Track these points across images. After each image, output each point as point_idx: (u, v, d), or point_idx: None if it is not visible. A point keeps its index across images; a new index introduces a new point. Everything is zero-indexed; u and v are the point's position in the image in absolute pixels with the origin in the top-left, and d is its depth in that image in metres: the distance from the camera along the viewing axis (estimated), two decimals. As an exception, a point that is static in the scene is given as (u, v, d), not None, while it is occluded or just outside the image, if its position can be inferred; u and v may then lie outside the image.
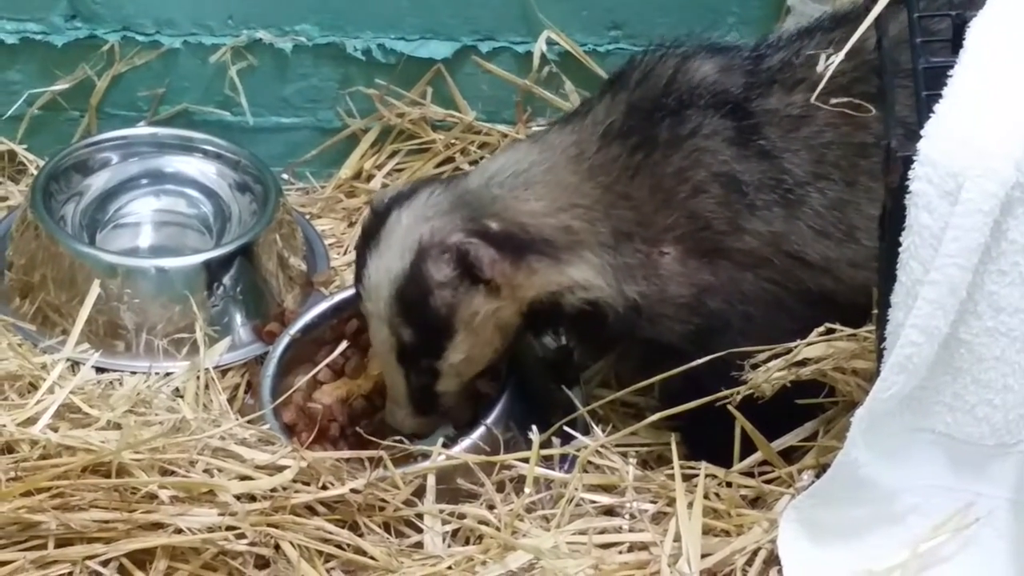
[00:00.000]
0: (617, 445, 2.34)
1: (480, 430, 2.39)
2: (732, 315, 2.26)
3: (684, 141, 2.27)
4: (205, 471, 2.24)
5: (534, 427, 2.30)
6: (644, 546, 2.22)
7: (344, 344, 2.48)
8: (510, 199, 2.34)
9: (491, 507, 2.28)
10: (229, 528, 2.17)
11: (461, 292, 2.32)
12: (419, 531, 2.28)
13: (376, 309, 2.36)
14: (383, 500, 2.27)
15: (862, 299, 2.13)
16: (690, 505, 2.22)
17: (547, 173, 2.35)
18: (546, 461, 2.32)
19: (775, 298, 2.26)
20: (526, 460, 2.30)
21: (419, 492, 2.29)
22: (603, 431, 2.34)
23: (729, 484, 2.28)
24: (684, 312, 2.29)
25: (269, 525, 2.19)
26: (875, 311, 2.02)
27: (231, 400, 2.55)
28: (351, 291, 2.57)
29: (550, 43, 2.70)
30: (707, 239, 2.27)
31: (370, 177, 2.85)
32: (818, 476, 2.15)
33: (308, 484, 2.25)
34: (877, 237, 1.98)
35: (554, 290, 2.32)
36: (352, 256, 2.75)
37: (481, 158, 2.80)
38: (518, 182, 2.35)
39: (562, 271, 2.31)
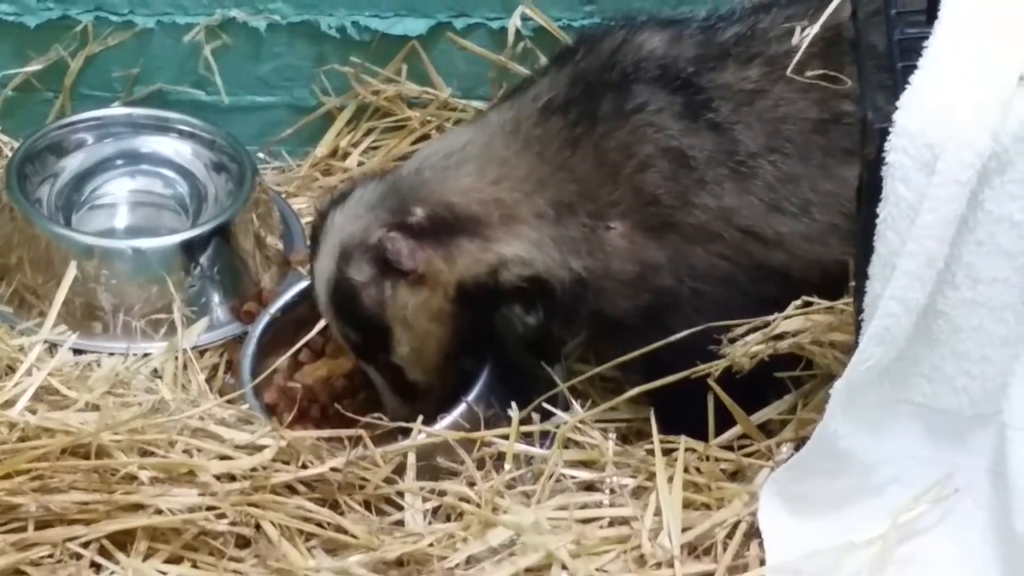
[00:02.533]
0: (596, 420, 2.35)
1: (460, 407, 2.39)
2: (682, 291, 2.26)
3: (631, 116, 2.27)
4: (185, 452, 2.24)
5: (514, 404, 2.31)
6: (625, 521, 2.22)
7: (323, 323, 2.46)
8: (438, 181, 2.34)
9: (471, 484, 2.28)
10: (209, 508, 2.18)
11: (387, 289, 2.34)
12: (400, 509, 2.29)
13: (324, 312, 2.40)
14: (363, 478, 2.27)
15: (814, 277, 2.14)
16: (670, 479, 2.22)
17: (480, 149, 2.35)
18: (526, 437, 2.32)
19: (726, 274, 2.26)
20: (506, 437, 2.31)
21: (399, 470, 2.29)
22: (582, 406, 2.35)
23: (708, 458, 2.28)
24: (631, 288, 2.29)
25: (249, 505, 2.19)
26: (853, 283, 2.02)
27: (210, 380, 2.56)
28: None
29: (524, 19, 2.70)
30: (655, 214, 2.27)
31: (346, 155, 2.85)
32: (797, 449, 2.15)
33: (288, 463, 2.25)
34: (834, 213, 2.00)
35: (484, 270, 2.31)
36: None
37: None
38: (450, 162, 2.35)
39: (489, 248, 2.31)
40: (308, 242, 2.49)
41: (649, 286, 2.26)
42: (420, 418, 2.34)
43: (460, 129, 2.46)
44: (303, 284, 2.59)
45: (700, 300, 2.22)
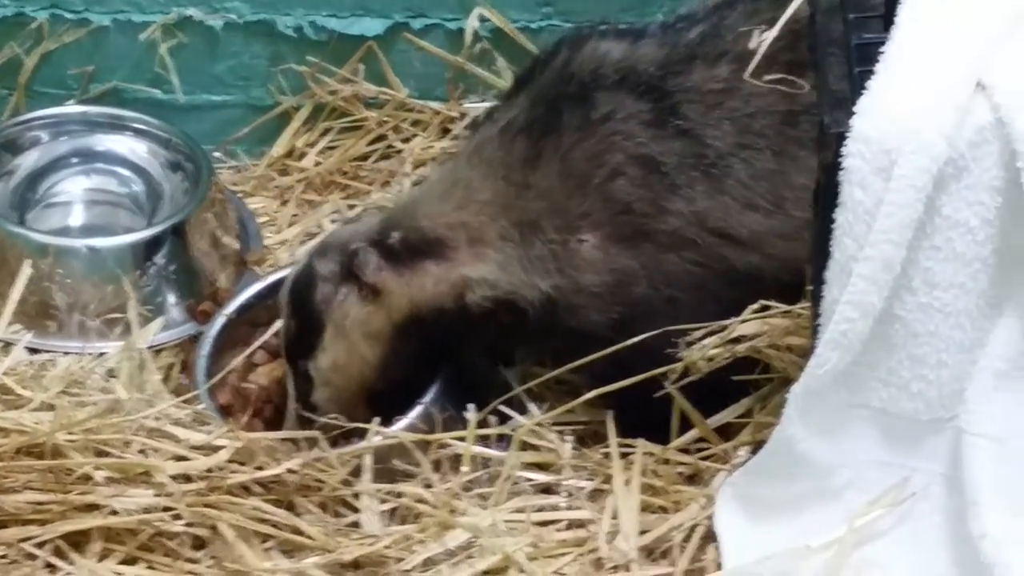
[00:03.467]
0: (553, 423, 2.35)
1: (417, 409, 2.39)
2: (657, 300, 2.26)
3: (598, 125, 2.27)
4: (140, 452, 2.24)
5: (471, 406, 2.32)
6: (582, 523, 2.23)
7: (278, 325, 2.46)
8: (413, 207, 2.38)
9: (428, 486, 2.30)
10: (165, 509, 2.18)
11: (340, 291, 2.37)
12: (356, 511, 2.29)
13: (281, 298, 2.43)
14: (320, 480, 2.28)
15: (788, 276, 2.15)
16: (627, 482, 2.24)
17: (448, 176, 2.38)
18: (483, 440, 2.33)
19: (700, 280, 2.27)
20: (463, 439, 2.31)
21: (356, 472, 2.30)
22: (539, 409, 2.36)
23: (666, 461, 2.29)
24: (605, 300, 2.29)
25: (205, 506, 2.20)
26: (809, 288, 2.03)
27: (165, 380, 2.55)
28: (285, 272, 2.59)
29: (482, 20, 2.71)
30: (628, 223, 2.27)
31: (302, 155, 2.85)
32: (754, 452, 2.16)
33: (244, 464, 2.25)
34: (808, 208, 2.00)
35: (448, 291, 2.33)
36: (285, 235, 2.76)
37: (414, 135, 2.81)
38: (425, 190, 2.42)
39: (454, 270, 2.33)
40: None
41: (623, 297, 2.27)
42: (376, 420, 2.34)
43: (437, 167, 2.54)
44: (259, 285, 2.61)
45: (674, 308, 2.23)
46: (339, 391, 2.38)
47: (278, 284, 2.57)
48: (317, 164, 2.82)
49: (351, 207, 2.79)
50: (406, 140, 2.80)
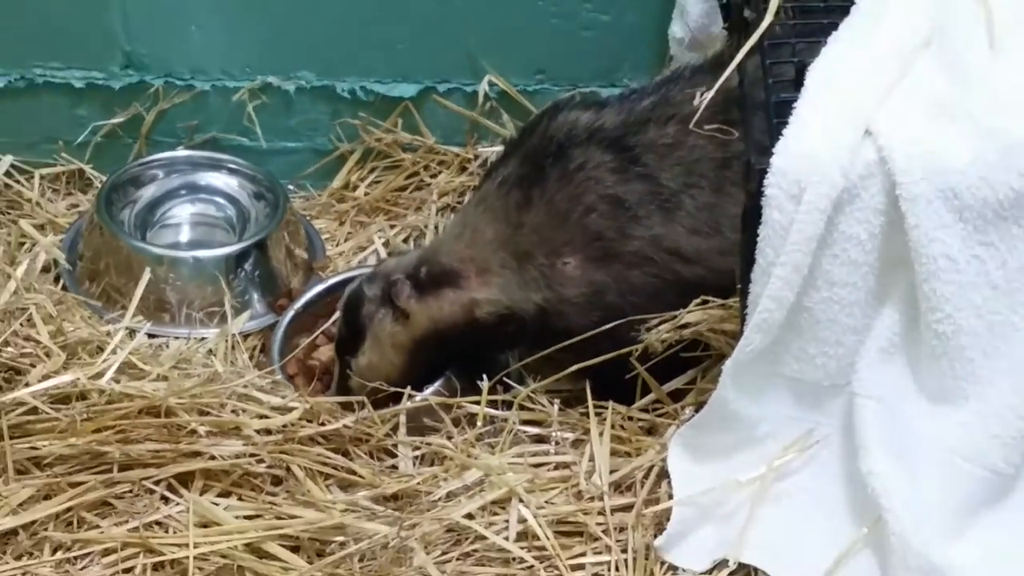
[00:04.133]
0: (545, 391, 2.35)
1: (440, 380, 2.40)
2: (625, 305, 2.24)
3: (574, 174, 2.26)
4: (232, 411, 2.25)
5: (484, 376, 2.31)
6: (567, 465, 2.23)
7: (336, 316, 2.48)
8: (438, 246, 2.39)
9: (450, 437, 2.30)
10: (251, 455, 2.19)
11: (380, 311, 2.36)
12: (395, 456, 2.30)
13: (340, 305, 2.43)
14: (368, 433, 2.28)
15: (724, 282, 2.13)
16: (601, 434, 2.24)
17: (461, 222, 2.39)
18: (491, 403, 2.33)
19: (657, 289, 2.25)
20: (477, 402, 2.31)
21: (395, 428, 2.31)
22: (533, 380, 2.36)
23: (630, 418, 2.29)
24: (584, 308, 2.28)
25: (281, 452, 2.21)
26: (739, 286, 2.03)
27: (251, 358, 2.55)
28: (342, 276, 2.62)
29: (491, 84, 2.71)
30: (600, 247, 2.26)
31: (355, 187, 2.86)
32: (697, 410, 2.16)
33: (311, 421, 2.26)
34: (740, 230, 2.00)
35: (461, 310, 2.33)
36: (342, 248, 2.77)
37: (439, 172, 2.81)
38: (445, 235, 2.43)
39: (464, 293, 2.33)
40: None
41: (598, 304, 2.26)
42: (408, 389, 2.35)
43: (456, 216, 2.51)
44: (321, 286, 2.62)
45: (637, 311, 2.21)
46: (368, 382, 2.37)
47: (336, 285, 2.60)
48: (366, 194, 2.82)
49: (392, 227, 2.79)
50: (433, 176, 2.80)
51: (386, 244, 2.75)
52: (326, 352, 2.55)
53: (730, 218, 2.11)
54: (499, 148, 2.69)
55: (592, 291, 2.27)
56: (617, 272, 2.25)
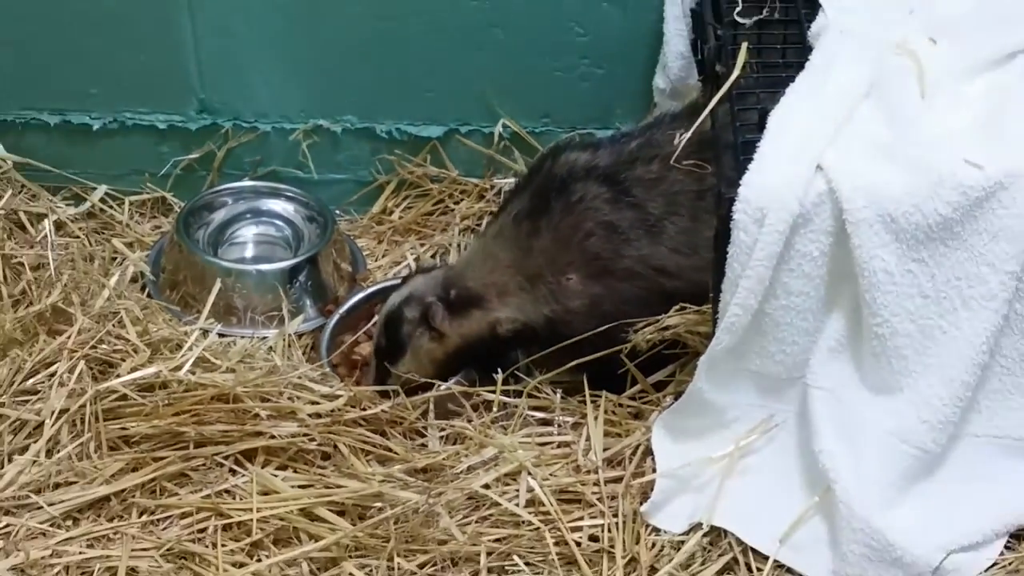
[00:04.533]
0: (549, 383, 2.34)
1: (462, 373, 2.40)
2: (618, 313, 2.23)
3: (575, 206, 2.25)
4: (288, 398, 2.25)
5: (499, 370, 2.31)
6: (567, 444, 2.23)
7: (374, 319, 2.49)
8: (463, 271, 2.38)
9: (470, 420, 2.30)
10: (304, 435, 2.19)
11: (418, 330, 2.36)
12: (424, 436, 2.29)
13: (380, 317, 2.43)
14: (401, 417, 2.28)
15: (701, 293, 2.12)
16: (596, 418, 2.23)
17: (483, 251, 2.37)
18: (504, 392, 2.32)
19: (644, 299, 2.23)
20: (492, 391, 2.31)
21: (424, 412, 2.30)
22: (540, 373, 2.35)
23: (620, 405, 2.28)
24: (584, 316, 2.26)
25: (330, 433, 2.21)
26: (712, 295, 2.03)
27: (304, 353, 2.55)
28: (379, 285, 2.62)
29: (504, 127, 2.71)
30: (597, 265, 2.26)
31: (391, 212, 2.84)
32: (676, 399, 2.16)
33: (354, 407, 2.26)
34: (711, 250, 2.00)
35: (486, 327, 2.33)
36: (380, 263, 2.77)
37: (461, 200, 2.80)
38: (468, 259, 2.41)
39: (489, 313, 2.32)
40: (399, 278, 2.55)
41: (596, 313, 2.25)
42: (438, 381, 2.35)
43: (476, 241, 2.49)
44: (362, 294, 2.62)
45: (628, 317, 2.20)
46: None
47: (374, 293, 2.60)
48: (400, 218, 2.81)
49: (421, 245, 2.78)
50: (456, 203, 2.79)
51: (417, 260, 2.75)
52: (366, 348, 2.55)
53: (705, 240, 2.10)
54: (511, 180, 2.70)
55: (591, 302, 2.26)
56: (612, 286, 2.25)
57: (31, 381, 2.28)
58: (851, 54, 2.05)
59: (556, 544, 2.06)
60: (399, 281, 2.50)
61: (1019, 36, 2.07)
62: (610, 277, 2.25)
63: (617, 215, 2.24)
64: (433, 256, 2.78)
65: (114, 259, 2.67)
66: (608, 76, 2.61)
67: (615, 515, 2.09)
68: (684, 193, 2.21)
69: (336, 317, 2.58)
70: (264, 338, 2.52)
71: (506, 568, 2.04)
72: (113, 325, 2.36)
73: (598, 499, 2.11)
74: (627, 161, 2.27)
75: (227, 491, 2.14)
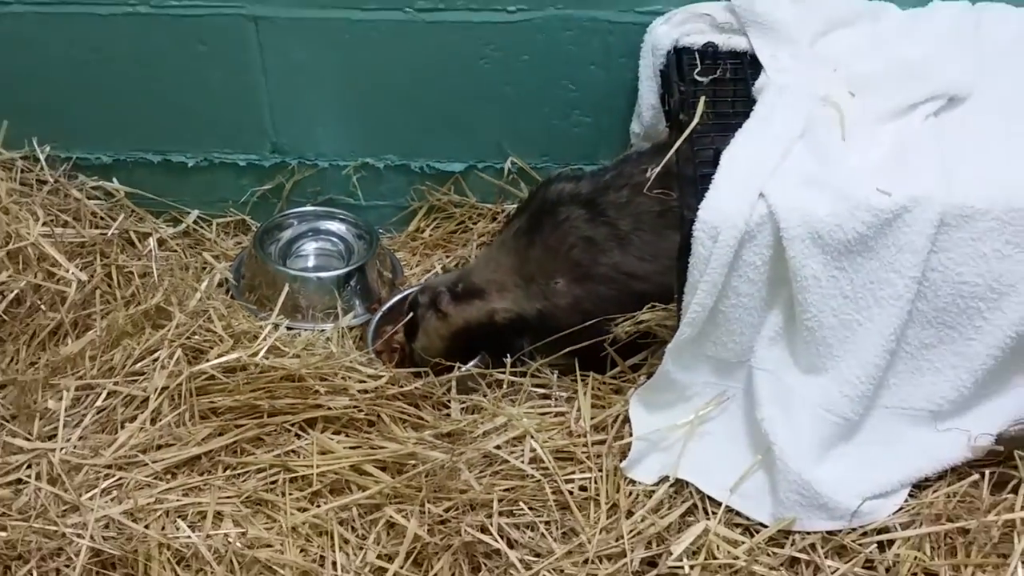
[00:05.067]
0: (548, 365, 2.34)
1: (478, 358, 2.39)
2: (596, 311, 2.21)
3: (561, 224, 2.24)
4: (342, 378, 2.25)
5: (508, 355, 2.32)
6: (562, 414, 2.23)
7: (410, 315, 2.46)
8: (471, 271, 2.36)
9: (484, 395, 2.30)
10: (354, 407, 2.19)
11: (429, 312, 2.35)
12: (448, 408, 2.29)
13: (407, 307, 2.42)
14: (431, 392, 2.28)
15: (666, 294, 2.12)
16: (585, 394, 2.23)
17: (488, 256, 2.37)
18: (512, 373, 2.32)
19: (617, 299, 2.22)
20: (503, 372, 2.31)
21: (449, 389, 2.30)
22: (541, 358, 2.34)
23: (604, 383, 2.28)
24: (569, 313, 2.24)
25: (374, 405, 2.21)
26: (676, 296, 2.03)
27: (354, 343, 2.53)
28: (413, 288, 2.57)
29: (512, 163, 2.69)
30: (579, 271, 2.24)
31: (423, 231, 2.82)
32: (648, 378, 2.16)
33: (393, 385, 2.26)
34: (675, 259, 2.00)
35: (484, 315, 2.31)
36: (415, 271, 2.76)
37: (478, 221, 2.78)
38: (477, 263, 2.40)
39: (488, 304, 2.30)
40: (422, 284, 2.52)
41: (579, 310, 2.23)
42: (458, 363, 2.34)
43: (485, 250, 2.49)
44: (400, 295, 2.60)
45: (607, 314, 2.19)
46: (423, 357, 2.37)
47: (409, 295, 2.58)
48: (430, 235, 2.80)
49: (447, 257, 2.77)
50: (474, 223, 2.77)
51: (443, 269, 2.75)
52: (403, 338, 2.55)
53: (664, 250, 2.10)
54: (515, 206, 2.69)
55: (574, 300, 2.25)
56: (591, 288, 2.24)
57: (139, 365, 2.29)
58: (787, 105, 2.06)
59: (553, 493, 2.06)
60: (417, 288, 2.50)
61: (919, 91, 2.07)
62: (590, 281, 2.24)
63: (594, 231, 2.23)
64: (456, 266, 2.78)
65: (204, 268, 2.68)
66: (594, 123, 2.61)
67: (600, 470, 2.09)
68: (648, 213, 2.20)
69: (379, 314, 2.57)
70: (323, 331, 2.51)
71: (513, 512, 2.05)
72: (203, 320, 2.37)
73: (586, 457, 2.12)
74: (603, 188, 2.26)
75: (293, 451, 2.15)
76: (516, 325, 2.32)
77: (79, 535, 1.97)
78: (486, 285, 2.32)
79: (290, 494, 2.08)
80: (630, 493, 2.06)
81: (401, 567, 1.98)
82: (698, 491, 2.04)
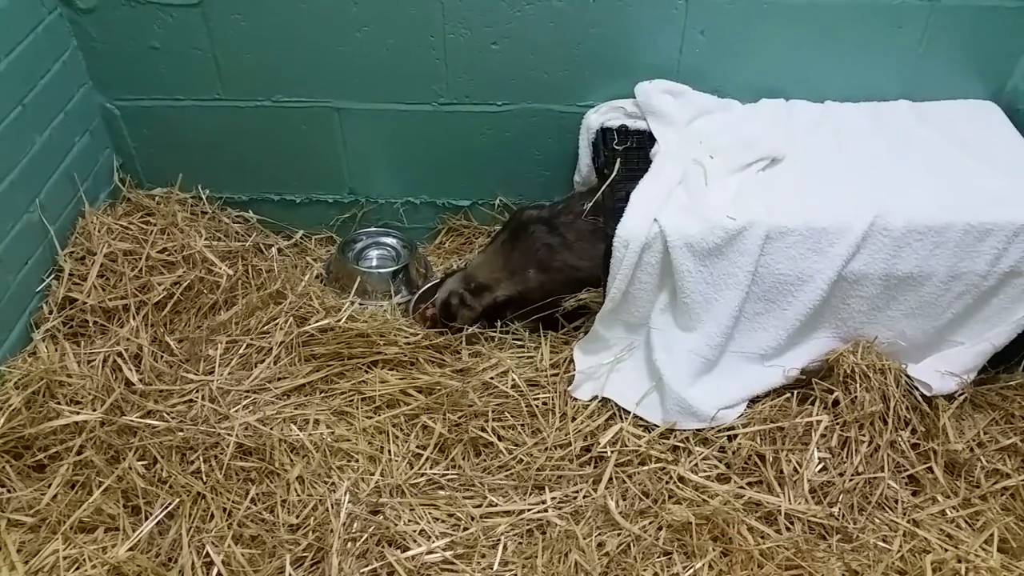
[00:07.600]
0: (524, 327, 2.31)
1: (478, 323, 2.33)
2: (552, 292, 2.20)
3: (531, 236, 2.22)
4: (393, 335, 2.24)
5: (498, 321, 2.30)
6: (531, 357, 2.22)
7: (435, 297, 2.41)
8: (474, 272, 2.31)
9: (483, 345, 2.28)
10: (401, 354, 2.18)
11: (457, 304, 2.29)
12: (460, 354, 2.26)
13: (437, 304, 2.34)
14: (449, 344, 2.26)
15: (595, 279, 2.10)
16: (546, 344, 2.23)
17: (484, 259, 2.32)
18: (502, 331, 2.30)
19: (568, 284, 2.20)
20: (495, 331, 2.29)
21: (460, 342, 2.27)
22: (518, 321, 2.32)
23: (558, 338, 2.27)
24: (538, 292, 2.22)
25: (414, 352, 2.20)
26: (603, 283, 2.04)
27: (402, 314, 2.49)
28: (436, 280, 2.54)
29: (500, 201, 2.68)
30: (543, 265, 2.21)
31: (443, 243, 2.79)
32: (585, 334, 2.16)
33: (426, 339, 2.25)
34: (602, 259, 2.01)
35: (490, 301, 2.26)
36: (437, 268, 2.71)
37: (479, 237, 2.73)
38: (476, 265, 2.33)
39: (494, 293, 2.26)
40: (441, 275, 2.47)
41: (542, 291, 2.21)
42: (465, 326, 2.30)
43: (479, 255, 2.41)
44: (430, 284, 2.55)
45: (560, 293, 2.18)
46: (460, 328, 2.31)
47: (435, 283, 2.53)
48: (448, 246, 2.77)
49: (459, 259, 2.73)
50: (476, 238, 2.76)
51: (454, 266, 2.72)
52: (431, 311, 2.52)
53: (596, 253, 2.09)
54: (499, 227, 2.65)
55: (539, 285, 2.23)
56: (551, 276, 2.21)
57: (266, 327, 2.28)
58: (671, 163, 2.07)
59: (527, 407, 2.07)
60: (439, 279, 2.46)
61: (752, 155, 2.09)
62: (549, 272, 2.22)
63: (552, 240, 2.21)
64: (464, 267, 2.75)
65: (307, 267, 2.65)
66: (552, 176, 2.61)
67: (555, 392, 2.11)
68: (585, 230, 2.19)
69: (417, 295, 2.54)
70: (381, 306, 2.49)
71: (500, 418, 2.05)
72: (306, 300, 2.36)
73: (547, 384, 2.13)
74: (557, 214, 2.24)
75: (363, 381, 2.15)
76: (507, 302, 2.31)
77: (228, 434, 1.98)
78: (489, 281, 2.30)
79: (361, 408, 2.09)
80: (574, 406, 2.07)
81: (431, 454, 2.00)
82: (617, 405, 2.05)
